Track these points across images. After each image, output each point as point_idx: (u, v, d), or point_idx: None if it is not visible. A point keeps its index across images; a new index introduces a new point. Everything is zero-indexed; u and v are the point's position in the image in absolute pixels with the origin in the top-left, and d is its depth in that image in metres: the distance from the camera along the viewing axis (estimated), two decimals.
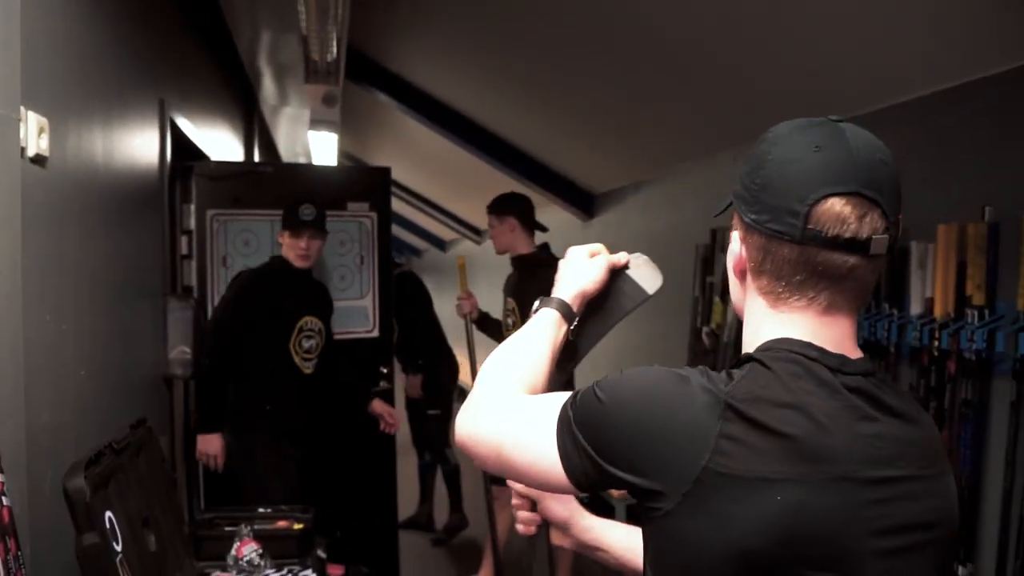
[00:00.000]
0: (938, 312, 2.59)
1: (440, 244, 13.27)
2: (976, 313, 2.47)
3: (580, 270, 1.21)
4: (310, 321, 3.28)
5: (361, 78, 5.30)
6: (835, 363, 0.90)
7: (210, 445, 3.09)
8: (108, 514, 1.63)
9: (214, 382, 3.10)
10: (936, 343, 2.58)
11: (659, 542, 0.91)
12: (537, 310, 1.19)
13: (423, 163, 8.16)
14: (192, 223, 3.54)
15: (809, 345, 0.91)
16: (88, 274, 1.97)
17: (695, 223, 4.45)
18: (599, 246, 1.25)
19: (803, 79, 3.19)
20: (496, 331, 3.81)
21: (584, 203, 6.27)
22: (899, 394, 0.93)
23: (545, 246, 3.73)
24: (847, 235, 0.88)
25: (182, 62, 3.33)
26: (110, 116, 2.21)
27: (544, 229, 3.74)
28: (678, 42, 3.42)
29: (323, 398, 3.37)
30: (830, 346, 0.92)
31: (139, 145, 2.57)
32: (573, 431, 0.93)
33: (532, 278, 3.58)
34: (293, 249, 3.23)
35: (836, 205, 0.88)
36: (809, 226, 0.88)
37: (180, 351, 2.82)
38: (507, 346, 1.15)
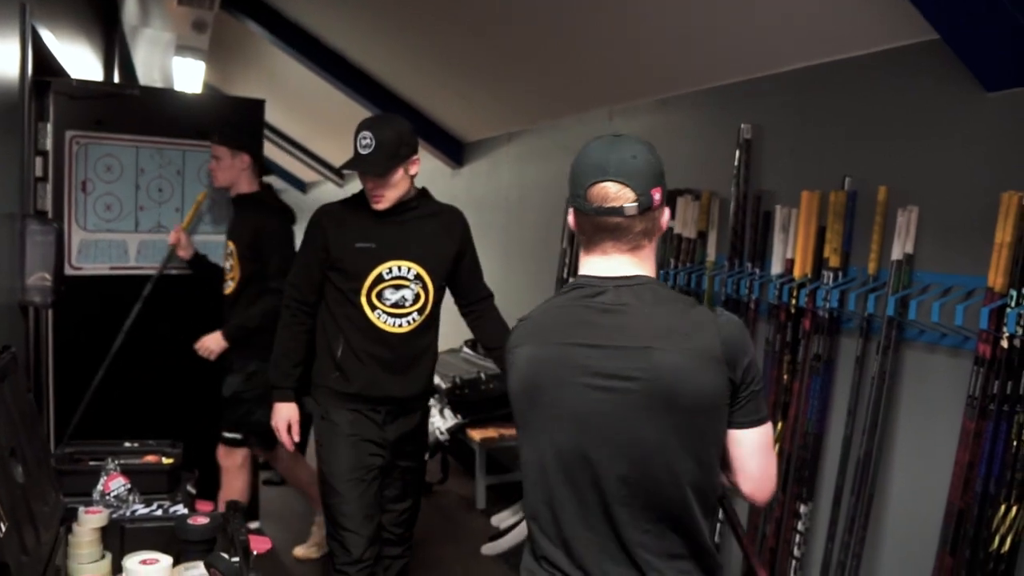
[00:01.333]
0: (797, 272, 2.78)
1: (300, 185, 12.91)
2: (831, 275, 2.67)
3: None
4: (398, 266, 2.60)
5: (232, 5, 5.06)
6: (595, 283, 1.47)
7: (280, 415, 2.69)
8: None
9: (296, 331, 2.69)
10: (794, 301, 2.77)
11: None
12: None
13: (287, 100, 7.89)
14: (48, 144, 3.31)
15: (583, 276, 1.50)
16: None
17: (565, 177, 4.54)
18: None
19: (676, 45, 3.30)
20: (208, 272, 3.62)
21: (454, 151, 6.25)
22: (637, 299, 1.44)
23: (270, 187, 3.59)
24: (607, 205, 1.42)
25: None
26: None
27: (270, 172, 3.51)
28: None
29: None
30: (603, 273, 1.47)
31: None
32: None
33: (254, 219, 3.36)
34: (364, 188, 2.61)
35: (598, 188, 1.42)
36: (587, 202, 1.43)
37: (40, 277, 2.64)
38: None
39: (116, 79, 5.47)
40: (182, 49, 5.03)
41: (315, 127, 8.93)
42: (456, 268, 2.74)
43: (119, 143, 3.49)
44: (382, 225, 2.61)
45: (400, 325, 2.63)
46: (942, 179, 2.41)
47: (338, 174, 9.87)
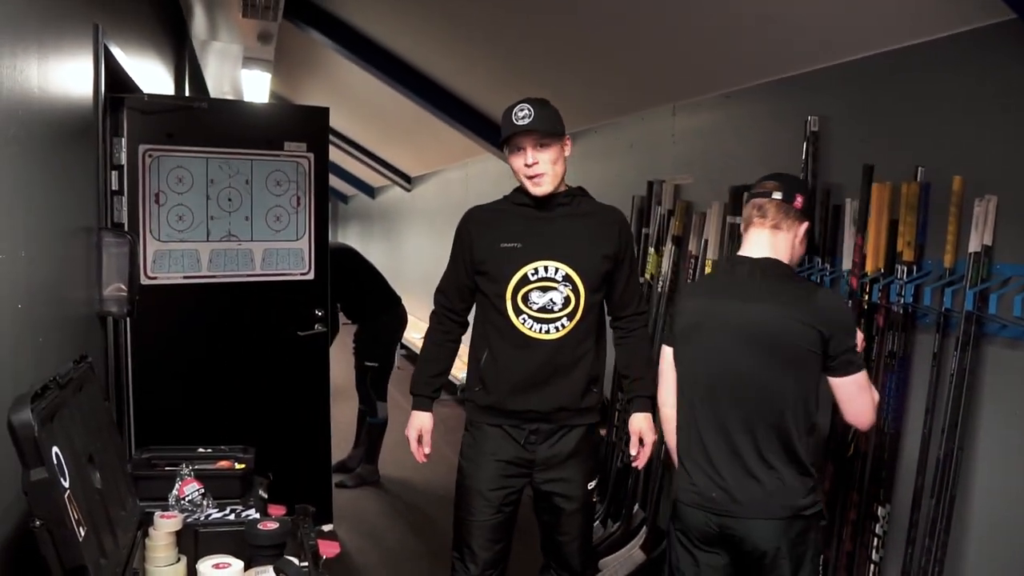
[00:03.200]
0: (870, 267, 2.70)
1: (369, 190, 13.09)
2: (905, 269, 2.58)
3: None
4: (544, 266, 2.42)
5: (296, 15, 5.15)
6: (741, 260, 2.16)
7: (411, 424, 2.61)
8: (55, 449, 1.59)
9: (439, 339, 2.62)
10: (867, 296, 2.69)
11: None
12: None
13: (354, 107, 8.01)
14: (123, 158, 3.42)
15: (737, 256, 2.19)
16: (24, 205, 1.88)
17: (632, 175, 4.50)
18: None
19: (739, 38, 3.24)
20: None
21: None
22: (751, 270, 2.12)
23: None
24: (762, 190, 2.19)
25: None
26: (44, 39, 2.10)
27: None
28: None
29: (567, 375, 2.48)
30: (747, 253, 2.16)
31: (73, 72, 2.45)
32: None
33: None
34: (520, 171, 2.42)
35: (763, 182, 2.21)
36: (754, 189, 2.23)
37: (115, 288, 2.73)
38: None
39: (187, 92, 5.63)
40: (249, 61, 5.15)
41: (381, 132, 9.04)
42: (611, 274, 2.53)
43: (189, 155, 3.58)
44: (530, 224, 2.46)
45: (548, 332, 2.43)
46: (1021, 166, 2.31)
47: (405, 178, 9.98)
